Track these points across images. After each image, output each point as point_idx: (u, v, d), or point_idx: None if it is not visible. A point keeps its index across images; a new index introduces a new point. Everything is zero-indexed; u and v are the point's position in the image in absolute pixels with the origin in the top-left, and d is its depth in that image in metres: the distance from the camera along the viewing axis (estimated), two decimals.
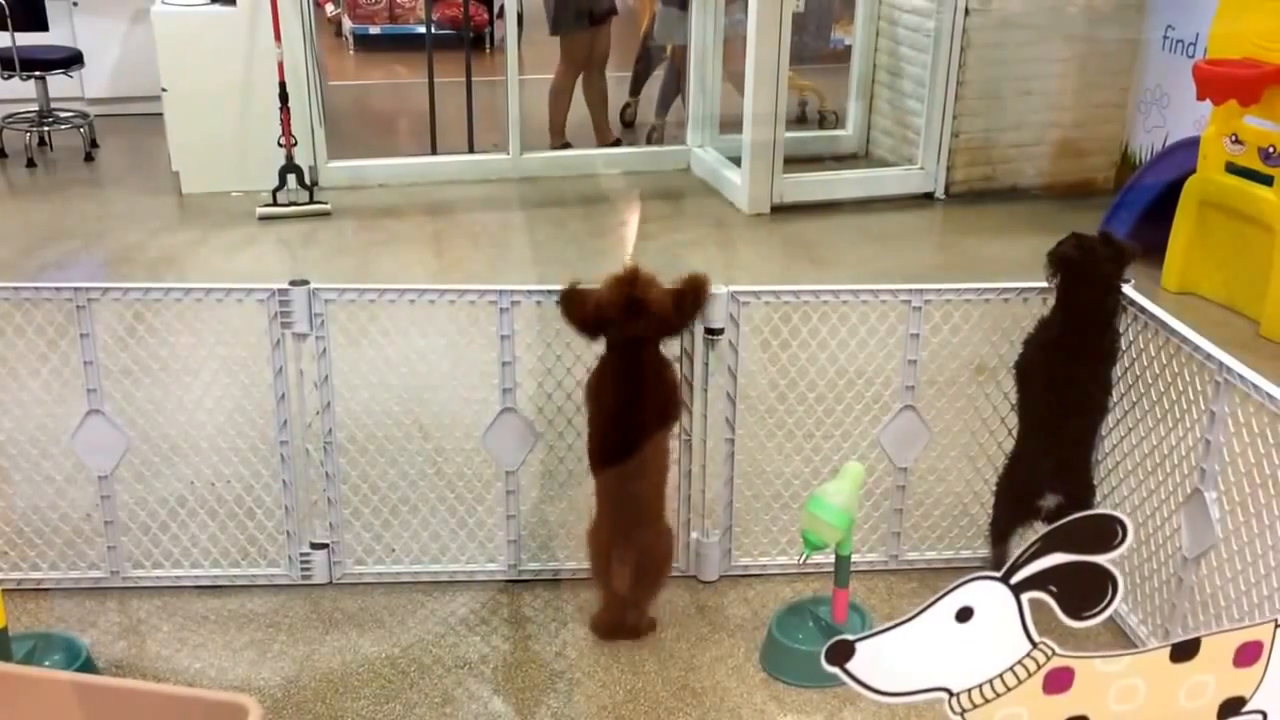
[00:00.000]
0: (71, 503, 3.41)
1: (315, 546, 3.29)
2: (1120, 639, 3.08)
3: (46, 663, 2.86)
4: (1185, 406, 2.88)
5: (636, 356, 2.92)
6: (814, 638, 3.01)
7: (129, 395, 3.33)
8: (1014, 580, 1.61)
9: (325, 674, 2.96)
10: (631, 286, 2.85)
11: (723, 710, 2.86)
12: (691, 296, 2.97)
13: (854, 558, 3.05)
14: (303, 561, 3.28)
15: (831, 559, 2.99)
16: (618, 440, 2.95)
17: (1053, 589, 1.61)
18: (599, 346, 2.98)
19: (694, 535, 3.33)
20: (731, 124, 7.18)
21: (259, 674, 2.96)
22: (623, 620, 3.11)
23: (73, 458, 3.24)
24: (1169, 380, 2.94)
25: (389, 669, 2.98)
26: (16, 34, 7.18)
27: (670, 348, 3.05)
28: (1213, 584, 2.80)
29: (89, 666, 2.88)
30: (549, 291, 3.12)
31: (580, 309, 2.92)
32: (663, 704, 2.88)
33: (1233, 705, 1.72)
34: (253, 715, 2.06)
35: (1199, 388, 2.82)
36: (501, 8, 9.31)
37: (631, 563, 2.96)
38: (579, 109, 7.78)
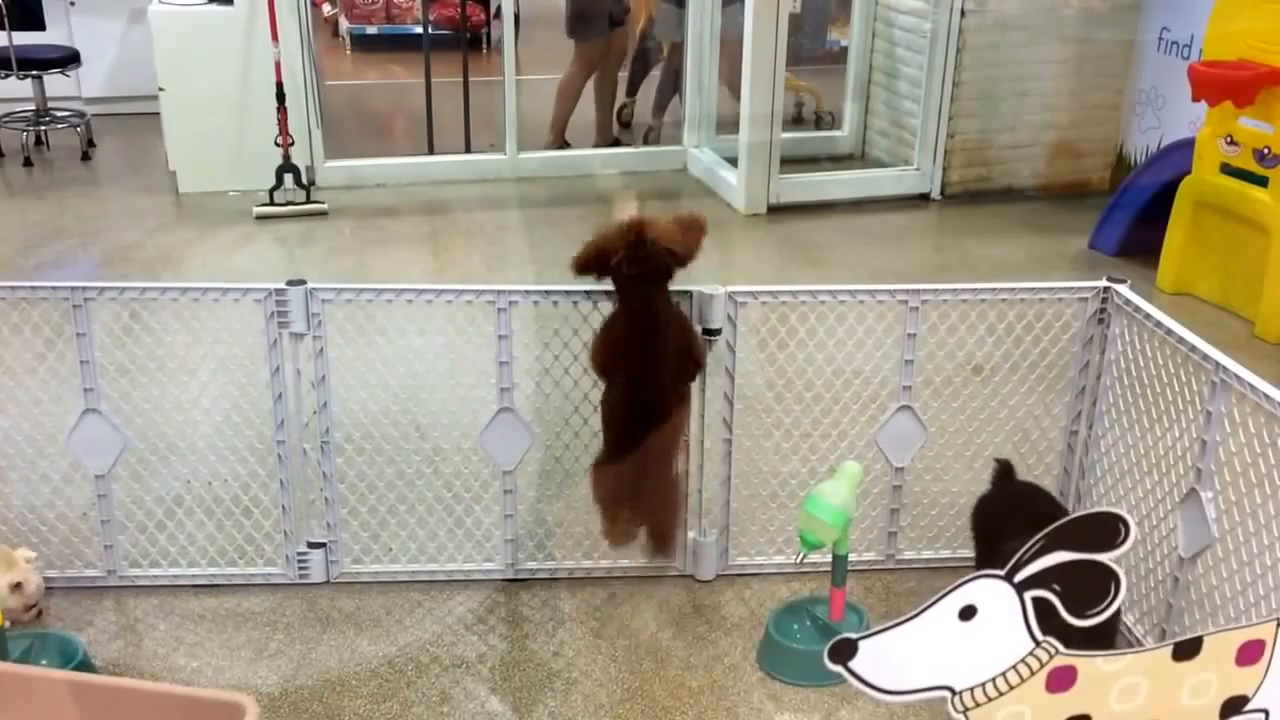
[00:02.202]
0: (68, 502, 3.40)
1: (312, 546, 3.29)
2: (1116, 637, 3.09)
3: (43, 661, 2.85)
4: (1181, 406, 2.88)
5: (650, 299, 2.94)
6: (811, 637, 3.02)
7: (126, 394, 3.33)
8: (1017, 579, 1.61)
9: (322, 673, 2.96)
10: (639, 224, 2.88)
11: (720, 709, 2.87)
12: (692, 224, 3.00)
13: (851, 557, 3.05)
14: (300, 561, 3.28)
15: (828, 558, 3.00)
16: (639, 387, 2.97)
17: (1056, 587, 1.62)
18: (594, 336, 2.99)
19: (691, 534, 3.33)
20: (728, 124, 7.19)
21: (256, 673, 2.96)
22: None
23: (69, 457, 3.24)
24: (1165, 380, 2.95)
25: (386, 668, 2.98)
26: (13, 33, 7.17)
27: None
28: (1209, 583, 2.81)
29: (86, 665, 2.88)
30: (546, 291, 3.13)
31: (594, 259, 2.95)
32: (660, 703, 2.88)
33: (1235, 704, 1.72)
34: (250, 714, 2.06)
35: (1195, 388, 2.83)
36: (498, 8, 9.31)
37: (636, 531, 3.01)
38: (579, 110, 7.79)
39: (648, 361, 2.94)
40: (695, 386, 3.18)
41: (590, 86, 7.78)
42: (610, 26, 7.60)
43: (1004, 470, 3.14)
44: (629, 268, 2.88)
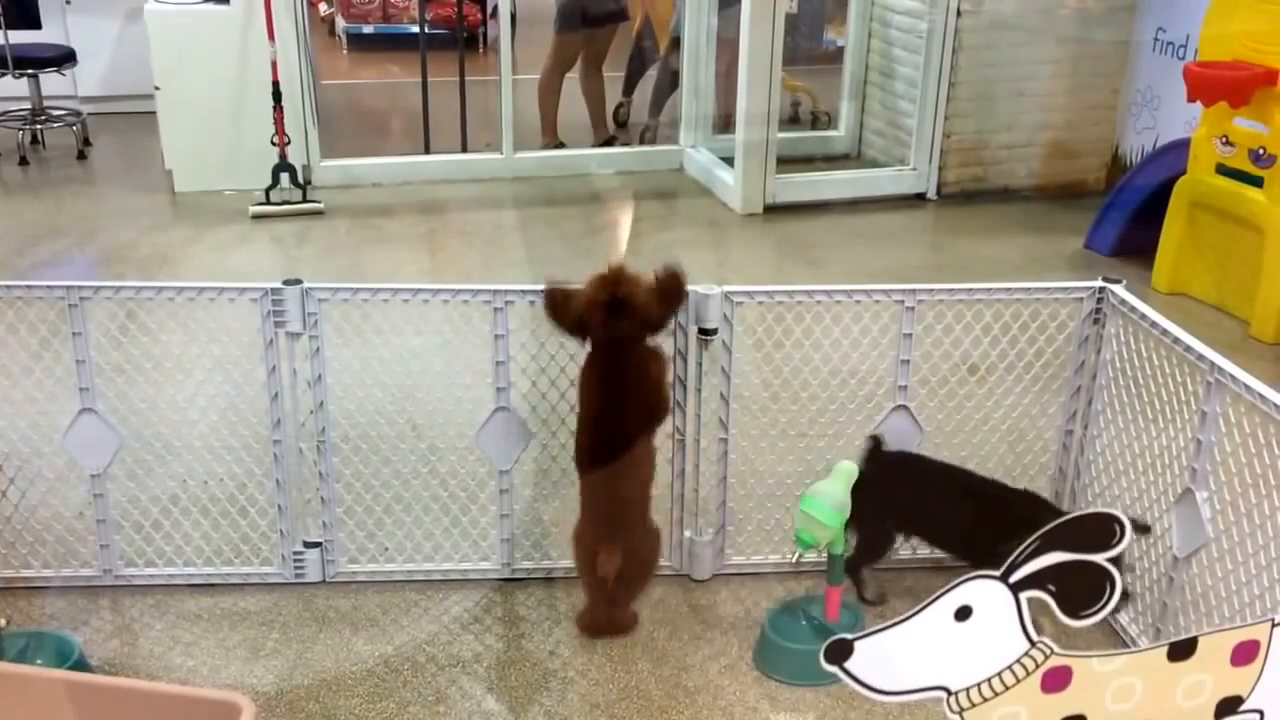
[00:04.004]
0: (64, 501, 3.40)
1: (308, 545, 3.29)
2: (1111, 638, 3.09)
3: (39, 661, 2.85)
4: (1176, 407, 2.89)
5: (621, 356, 2.92)
6: (807, 636, 3.02)
7: (121, 394, 3.33)
8: (1013, 579, 1.61)
9: (318, 672, 2.96)
10: (615, 286, 2.85)
11: (715, 709, 2.87)
12: (672, 292, 2.96)
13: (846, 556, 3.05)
14: (296, 560, 3.28)
15: (824, 558, 3.00)
16: (602, 440, 2.95)
17: (1051, 588, 1.62)
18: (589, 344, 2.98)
19: (687, 534, 3.33)
20: (725, 124, 7.20)
21: (252, 672, 2.96)
22: (607, 618, 3.12)
23: (65, 456, 3.24)
24: (1160, 380, 2.96)
25: (382, 667, 2.98)
26: (9, 32, 7.17)
27: (665, 346, 3.05)
28: (1203, 583, 2.82)
29: (81, 665, 2.88)
30: (543, 291, 3.12)
31: (563, 309, 2.93)
32: (656, 702, 2.88)
33: (1230, 704, 1.72)
34: (245, 714, 2.06)
35: (1190, 388, 2.83)
36: (495, 7, 9.31)
37: (616, 563, 2.95)
38: (570, 108, 7.79)
39: (612, 415, 2.93)
40: (691, 386, 3.18)
41: (570, 85, 7.78)
42: (584, 25, 7.58)
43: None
44: (599, 330, 2.88)
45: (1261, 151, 5.05)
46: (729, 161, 6.83)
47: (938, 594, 1.60)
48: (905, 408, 3.23)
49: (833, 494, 2.86)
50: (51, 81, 7.63)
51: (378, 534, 3.40)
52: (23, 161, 7.33)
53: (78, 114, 7.72)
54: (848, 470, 2.92)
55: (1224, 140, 5.20)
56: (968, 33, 6.71)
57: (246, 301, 3.09)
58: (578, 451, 3.01)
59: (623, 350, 2.91)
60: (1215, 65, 5.19)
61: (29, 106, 7.53)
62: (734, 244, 6.34)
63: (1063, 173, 7.14)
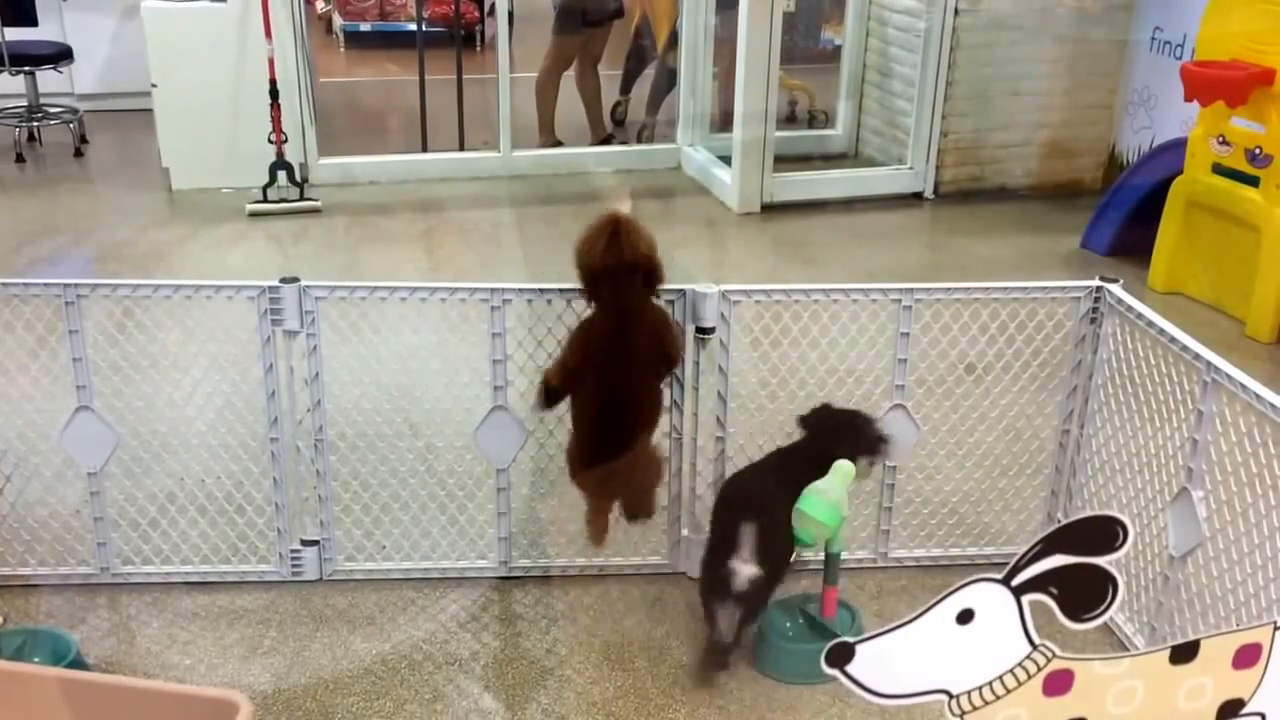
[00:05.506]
0: (61, 499, 3.40)
1: (306, 543, 3.29)
2: (1107, 637, 3.10)
3: (36, 659, 2.85)
4: (1173, 406, 2.89)
5: (625, 301, 2.93)
6: (803, 635, 3.03)
7: (118, 391, 3.32)
8: (1015, 582, 1.61)
9: (315, 671, 2.96)
10: (615, 231, 2.89)
11: (712, 707, 2.87)
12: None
13: (843, 555, 3.05)
14: (293, 558, 3.28)
15: (821, 556, 3.00)
16: (607, 376, 2.96)
17: (1053, 591, 1.61)
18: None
19: (684, 532, 3.33)
20: (722, 123, 7.19)
21: (249, 670, 2.96)
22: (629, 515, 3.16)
23: (62, 454, 3.24)
24: (1156, 380, 2.96)
25: (379, 666, 2.98)
26: (6, 29, 7.16)
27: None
28: (1199, 582, 2.82)
29: (78, 663, 2.87)
30: (540, 289, 3.13)
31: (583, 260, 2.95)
32: (653, 700, 2.88)
33: (1231, 707, 1.72)
34: (243, 712, 2.06)
35: (1186, 387, 2.84)
36: (493, 5, 9.30)
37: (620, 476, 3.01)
38: (568, 107, 7.79)
39: (620, 357, 2.94)
40: (689, 385, 3.18)
41: (569, 83, 7.78)
42: (584, 25, 7.59)
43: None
44: (605, 257, 2.88)
45: (1258, 151, 5.06)
46: (726, 160, 6.83)
47: (940, 597, 1.60)
48: (902, 407, 3.23)
49: (830, 493, 2.86)
50: (48, 79, 7.62)
51: (375, 532, 3.40)
52: (19, 159, 7.32)
53: (74, 111, 7.71)
54: (845, 469, 2.92)
55: (1221, 140, 5.21)
56: (965, 32, 6.71)
57: (244, 299, 3.09)
58: (580, 404, 3.01)
59: (626, 294, 2.93)
60: (1212, 65, 5.19)
61: (25, 104, 7.51)
62: (731, 243, 6.34)
63: (1059, 172, 7.14)
